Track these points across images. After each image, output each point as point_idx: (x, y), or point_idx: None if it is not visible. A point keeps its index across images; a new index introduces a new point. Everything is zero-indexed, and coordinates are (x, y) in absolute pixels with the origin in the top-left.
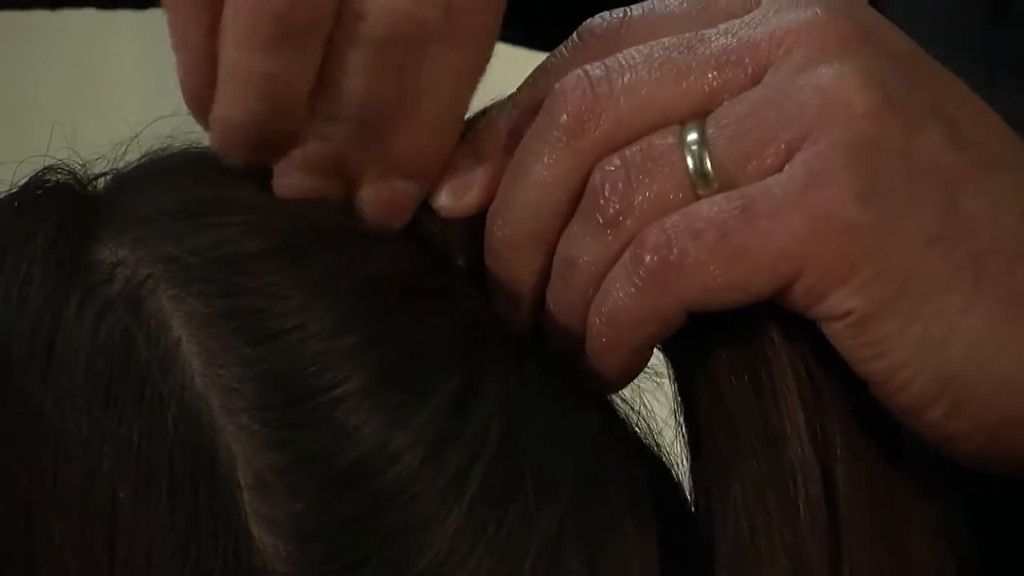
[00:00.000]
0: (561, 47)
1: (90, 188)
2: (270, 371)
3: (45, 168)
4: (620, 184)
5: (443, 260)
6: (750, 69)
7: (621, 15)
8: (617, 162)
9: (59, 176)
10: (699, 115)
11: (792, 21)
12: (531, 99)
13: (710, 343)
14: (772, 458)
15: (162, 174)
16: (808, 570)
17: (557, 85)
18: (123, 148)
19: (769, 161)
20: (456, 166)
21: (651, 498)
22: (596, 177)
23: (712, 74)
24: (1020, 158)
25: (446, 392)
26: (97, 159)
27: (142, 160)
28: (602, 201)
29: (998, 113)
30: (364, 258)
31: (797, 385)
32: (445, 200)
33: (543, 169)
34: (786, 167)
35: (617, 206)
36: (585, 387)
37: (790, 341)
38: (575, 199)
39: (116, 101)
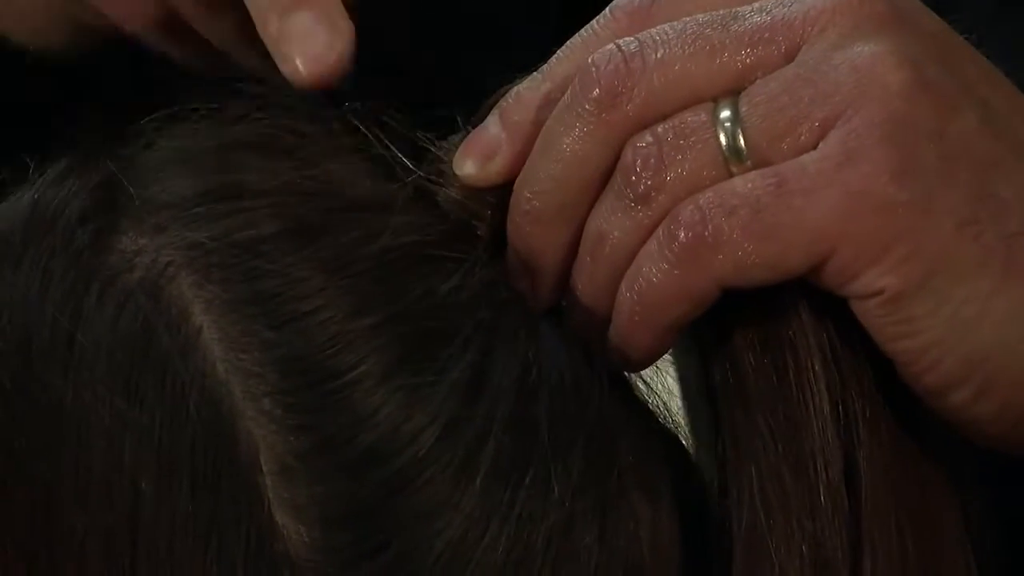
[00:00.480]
0: (592, 23)
1: (108, 178)
2: (290, 355)
3: (64, 160)
4: (652, 160)
5: (461, 230)
6: (784, 47)
7: None
8: (649, 138)
9: (77, 167)
10: (732, 92)
11: (826, 1)
12: (561, 73)
13: (733, 322)
14: (792, 442)
15: (179, 160)
16: (827, 556)
17: (590, 59)
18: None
19: (803, 138)
20: (482, 135)
21: (665, 475)
22: (628, 153)
23: (746, 51)
24: None
25: (459, 371)
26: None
27: (159, 146)
28: (634, 177)
29: None
30: (379, 232)
31: (822, 368)
32: (470, 168)
33: (574, 142)
34: (820, 145)
35: (649, 182)
36: (600, 362)
37: (815, 323)
38: (605, 174)
39: None
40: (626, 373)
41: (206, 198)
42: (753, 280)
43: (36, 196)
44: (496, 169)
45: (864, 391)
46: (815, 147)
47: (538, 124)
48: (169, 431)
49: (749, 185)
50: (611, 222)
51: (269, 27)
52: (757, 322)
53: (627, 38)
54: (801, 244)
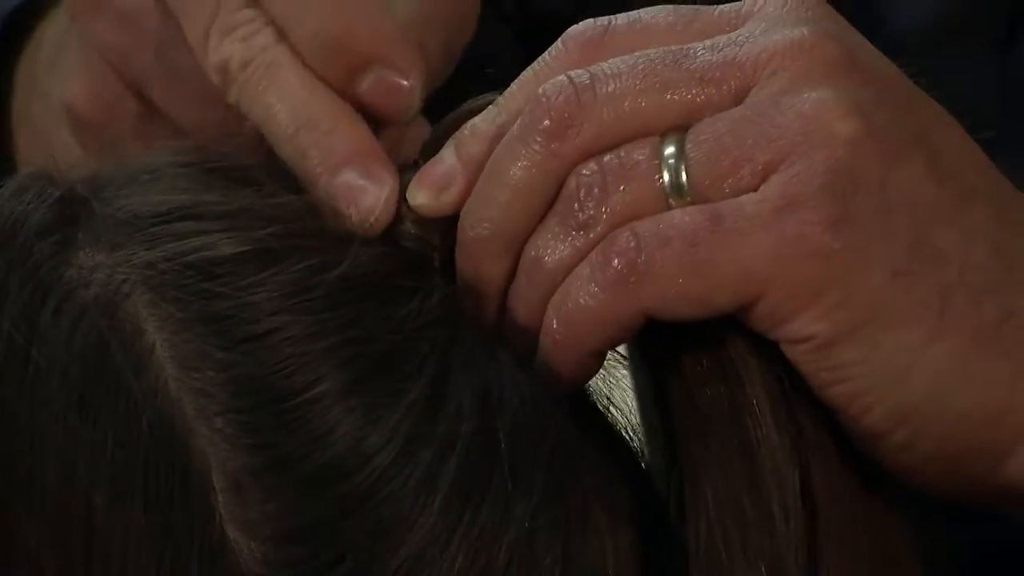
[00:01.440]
0: (545, 54)
1: (72, 191)
2: (244, 375)
3: (25, 172)
4: (595, 189)
5: (418, 260)
6: (734, 87)
7: (605, 23)
8: (594, 167)
9: (40, 181)
10: (679, 129)
11: (778, 43)
12: (515, 106)
13: (684, 349)
14: (746, 465)
15: (140, 178)
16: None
17: (540, 89)
18: (101, 152)
19: (744, 180)
20: (437, 166)
21: (626, 494)
22: (572, 181)
23: (696, 90)
24: (998, 189)
25: (417, 391)
26: (75, 164)
27: (121, 164)
28: (576, 205)
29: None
30: (337, 261)
31: (768, 394)
32: (423, 198)
33: (520, 171)
34: (761, 188)
35: (591, 211)
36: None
37: (762, 349)
38: (549, 204)
39: None
40: (588, 390)
41: (165, 217)
42: (679, 313)
43: None
44: (449, 200)
45: (815, 416)
46: (756, 189)
47: (487, 155)
48: (122, 448)
49: (687, 219)
50: (548, 247)
51: (319, 184)
52: (708, 348)
53: (578, 70)
54: (730, 283)
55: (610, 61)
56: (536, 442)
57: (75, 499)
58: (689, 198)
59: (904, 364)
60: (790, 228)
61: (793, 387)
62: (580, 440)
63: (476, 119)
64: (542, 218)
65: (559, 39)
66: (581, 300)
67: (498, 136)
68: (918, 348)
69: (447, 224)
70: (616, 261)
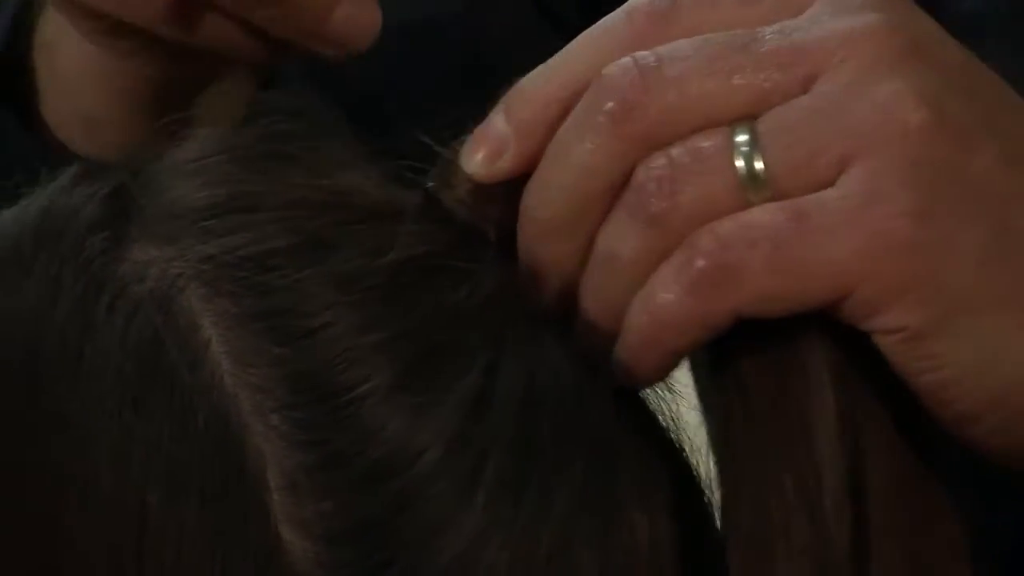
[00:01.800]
0: (605, 21)
1: (122, 185)
2: (299, 370)
3: (76, 167)
4: (666, 182)
5: (472, 234)
6: (801, 74)
7: None
8: (663, 160)
9: (88, 175)
10: (748, 116)
11: (847, 30)
12: (569, 72)
13: (740, 340)
14: (796, 455)
15: (190, 168)
16: (831, 569)
17: (605, 70)
18: (151, 142)
19: (822, 173)
20: (488, 131)
21: (666, 489)
22: (640, 173)
23: (763, 75)
24: None
25: (465, 387)
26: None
27: (171, 153)
28: (647, 198)
29: None
30: (390, 246)
31: (829, 386)
32: (478, 166)
33: (585, 153)
34: (839, 181)
35: (664, 204)
36: (606, 374)
37: (823, 342)
38: (616, 188)
39: None
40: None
41: (218, 210)
42: (771, 311)
43: (46, 203)
44: (505, 167)
45: (872, 412)
46: (832, 183)
47: (545, 124)
48: (177, 445)
49: (769, 217)
50: (622, 241)
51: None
52: (764, 340)
53: (644, 52)
54: (822, 280)
55: (677, 43)
56: (578, 440)
57: (128, 497)
58: (767, 189)
59: (995, 351)
60: (876, 223)
61: (853, 379)
62: (622, 436)
63: (524, 81)
64: (608, 204)
65: (622, 8)
66: (668, 303)
67: (550, 102)
68: (1008, 334)
69: (503, 194)
70: (701, 264)
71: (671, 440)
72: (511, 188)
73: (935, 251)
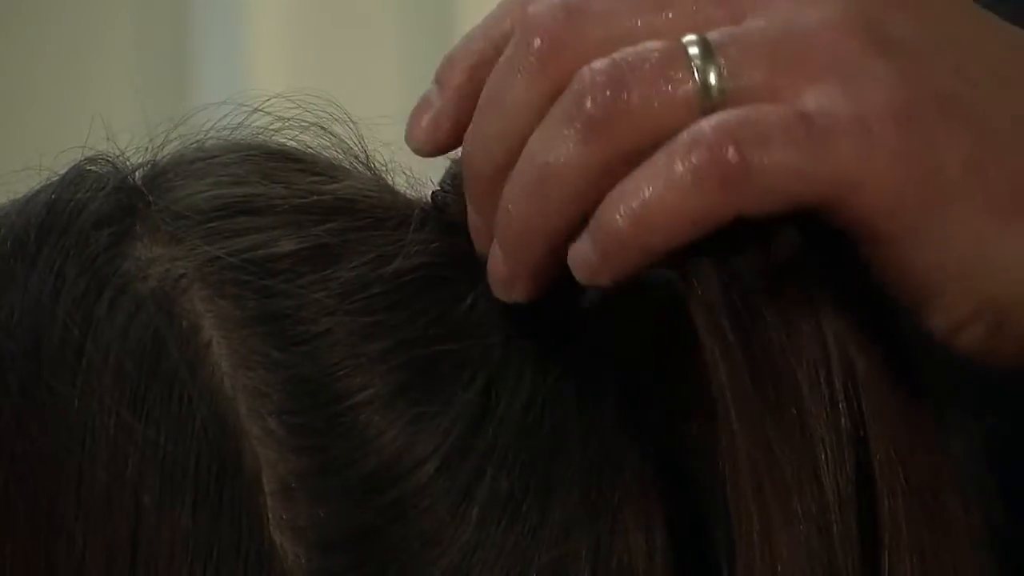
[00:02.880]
0: None
1: (129, 181)
2: (298, 375)
3: (84, 159)
4: (612, 83)
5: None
6: (736, 9)
7: None
8: (607, 63)
9: (98, 168)
10: None
11: None
12: (496, 28)
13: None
14: (784, 412)
15: (199, 169)
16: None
17: (530, 9)
18: (161, 139)
19: (779, 81)
20: (423, 105)
21: (661, 502)
22: (583, 74)
23: (693, 8)
24: None
25: (465, 401)
26: (136, 150)
27: (179, 153)
28: (588, 101)
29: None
30: (394, 254)
31: (820, 368)
32: (418, 140)
33: (516, 94)
34: (816, 87)
35: (609, 106)
36: (606, 377)
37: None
38: None
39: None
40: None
41: (224, 211)
42: (771, 210)
43: (53, 197)
44: (444, 136)
45: (871, 353)
46: (797, 92)
47: (478, 83)
48: (174, 445)
49: (777, 117)
50: (559, 149)
51: None
52: (751, 283)
53: None
54: (824, 181)
55: None
56: (575, 460)
57: (123, 496)
58: (723, 97)
59: (989, 247)
60: (872, 127)
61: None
62: (621, 453)
63: (451, 50)
64: None
65: None
66: (661, 200)
67: (479, 62)
68: (998, 230)
69: None
70: (710, 159)
71: (670, 448)
72: None
73: (922, 155)
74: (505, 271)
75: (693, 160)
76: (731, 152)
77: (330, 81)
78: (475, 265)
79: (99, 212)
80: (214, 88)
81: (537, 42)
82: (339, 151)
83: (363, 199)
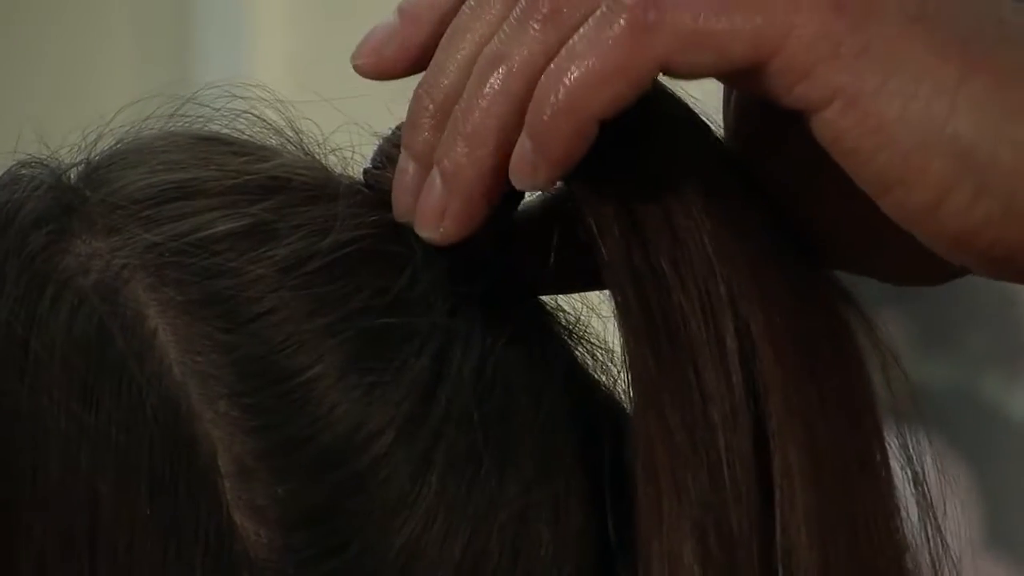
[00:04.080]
0: None
1: (64, 180)
2: (246, 356)
3: (17, 164)
4: None
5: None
6: None
7: None
8: None
9: (32, 171)
10: None
11: None
12: None
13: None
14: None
15: (132, 160)
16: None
17: None
18: (94, 135)
19: None
20: (377, 28)
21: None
22: None
23: None
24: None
25: (416, 369)
26: (68, 148)
27: (114, 147)
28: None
29: None
30: (328, 228)
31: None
32: (360, 57)
33: (480, 27)
34: None
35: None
36: (555, 343)
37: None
38: None
39: (88, 89)
40: (577, 358)
41: (159, 198)
42: (695, 64)
43: None
44: (390, 55)
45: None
46: None
47: (435, 10)
48: (126, 434)
49: None
50: (511, 44)
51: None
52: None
53: None
54: (747, 31)
55: None
56: (528, 421)
57: (78, 488)
58: None
59: (945, 107)
60: None
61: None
62: (570, 409)
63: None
64: None
65: None
66: (588, 59)
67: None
68: (953, 88)
69: None
70: (627, 13)
71: (613, 402)
72: None
73: (858, 8)
74: (440, 203)
75: (606, 18)
76: (644, 4)
77: (331, 78)
78: (411, 238)
79: (35, 211)
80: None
81: None
82: (271, 134)
83: (295, 176)
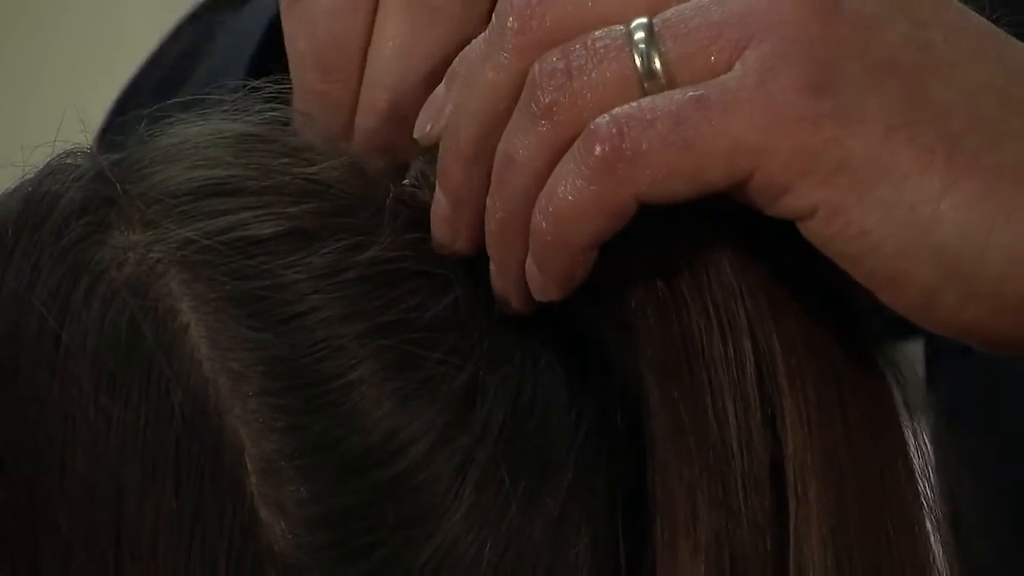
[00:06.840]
0: None
1: (104, 171)
2: (277, 356)
3: (62, 153)
4: (560, 75)
5: None
6: None
7: None
8: (558, 54)
9: (74, 160)
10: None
11: None
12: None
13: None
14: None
15: (172, 154)
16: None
17: None
18: (134, 129)
19: (714, 58)
20: (433, 98)
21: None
22: (535, 68)
23: None
24: (1007, 53)
25: (456, 382)
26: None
27: (153, 140)
28: (539, 92)
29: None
30: (369, 243)
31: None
32: (419, 131)
33: (487, 72)
34: (737, 64)
35: (556, 96)
36: (593, 363)
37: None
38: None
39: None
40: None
41: (198, 194)
42: (673, 193)
43: (29, 190)
44: (441, 125)
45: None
46: (730, 67)
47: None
48: (153, 429)
49: (668, 101)
50: (517, 140)
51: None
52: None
53: None
54: (722, 156)
55: None
56: (567, 441)
57: (105, 480)
58: (663, 80)
59: (929, 214)
60: (774, 96)
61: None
62: (607, 428)
63: (467, 47)
64: None
65: None
66: (568, 195)
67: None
68: (937, 195)
69: None
70: (599, 149)
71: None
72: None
73: (837, 121)
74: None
75: (584, 154)
76: (614, 141)
77: None
78: (453, 262)
79: (74, 203)
80: None
81: (510, 21)
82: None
83: (336, 184)
